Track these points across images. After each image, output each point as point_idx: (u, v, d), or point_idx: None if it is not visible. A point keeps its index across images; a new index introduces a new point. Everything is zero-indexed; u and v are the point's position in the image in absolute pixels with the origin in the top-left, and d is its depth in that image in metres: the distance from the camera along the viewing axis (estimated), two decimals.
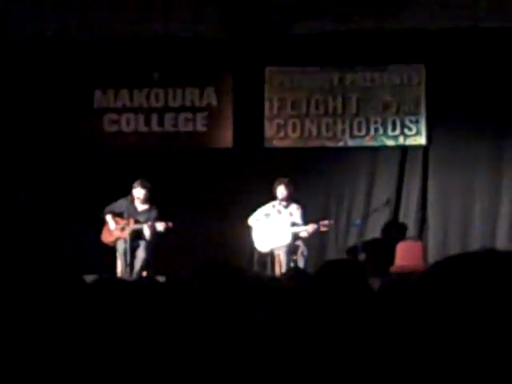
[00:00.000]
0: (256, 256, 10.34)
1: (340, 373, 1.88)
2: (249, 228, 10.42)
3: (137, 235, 10.16)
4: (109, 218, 10.34)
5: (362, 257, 10.22)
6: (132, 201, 10.36)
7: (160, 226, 10.06)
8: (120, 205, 10.37)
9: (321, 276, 2.85)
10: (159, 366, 2.05)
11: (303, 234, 10.21)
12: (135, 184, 10.31)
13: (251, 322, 2.06)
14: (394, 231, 11.11)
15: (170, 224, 10.04)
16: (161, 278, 6.37)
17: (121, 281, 2.71)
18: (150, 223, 10.07)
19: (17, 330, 2.06)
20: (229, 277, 2.13)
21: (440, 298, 1.44)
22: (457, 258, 1.50)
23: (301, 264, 10.05)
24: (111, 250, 10.31)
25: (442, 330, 1.42)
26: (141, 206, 10.36)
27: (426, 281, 1.49)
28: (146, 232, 10.13)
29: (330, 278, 2.75)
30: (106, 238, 10.38)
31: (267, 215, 10.36)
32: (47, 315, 2.11)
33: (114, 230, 10.28)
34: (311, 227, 10.17)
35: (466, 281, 1.44)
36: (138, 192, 10.29)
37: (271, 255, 10.30)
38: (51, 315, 2.11)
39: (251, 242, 10.37)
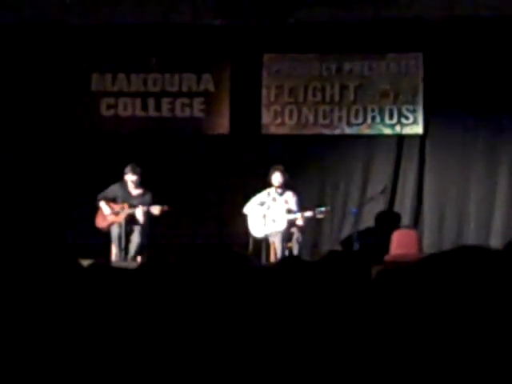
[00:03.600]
0: (251, 243, 10.34)
1: (337, 362, 1.89)
2: (244, 215, 10.42)
3: (131, 220, 10.13)
4: (102, 203, 10.30)
5: (357, 245, 10.21)
6: (125, 186, 10.34)
7: (155, 210, 10.05)
8: (113, 190, 10.35)
9: (323, 265, 2.84)
10: (154, 351, 2.05)
11: (299, 223, 10.19)
12: (126, 169, 10.31)
13: (253, 307, 2.06)
14: (390, 220, 11.11)
15: (166, 207, 10.02)
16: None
17: (115, 267, 2.71)
18: (144, 208, 10.06)
19: (13, 313, 2.06)
20: (233, 262, 2.12)
21: (432, 293, 1.46)
22: (450, 254, 1.52)
23: (295, 251, 10.05)
24: (106, 234, 10.29)
25: (433, 320, 1.43)
26: (135, 191, 10.35)
27: (420, 274, 1.50)
28: (139, 215, 10.10)
29: (332, 268, 2.74)
30: (100, 223, 10.35)
31: (262, 203, 10.35)
32: (43, 297, 2.11)
33: (108, 215, 10.24)
34: (307, 213, 10.16)
35: (459, 278, 1.46)
36: (130, 178, 10.30)
37: (266, 242, 10.29)
38: (47, 297, 2.11)
39: (246, 229, 10.37)
